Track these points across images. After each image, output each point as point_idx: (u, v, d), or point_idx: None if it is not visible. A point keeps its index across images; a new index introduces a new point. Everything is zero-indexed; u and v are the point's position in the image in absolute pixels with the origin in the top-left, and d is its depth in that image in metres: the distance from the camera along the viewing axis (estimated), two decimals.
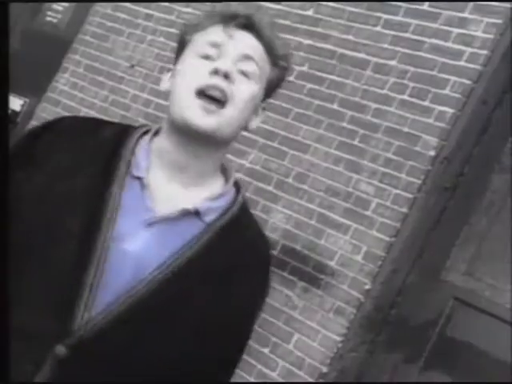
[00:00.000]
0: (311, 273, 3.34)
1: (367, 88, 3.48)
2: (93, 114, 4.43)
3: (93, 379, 1.33)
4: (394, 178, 3.26)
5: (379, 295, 3.21)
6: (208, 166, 1.47)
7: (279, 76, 1.51)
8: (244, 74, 1.43)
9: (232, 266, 1.45)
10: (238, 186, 1.53)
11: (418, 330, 3.20)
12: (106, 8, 4.67)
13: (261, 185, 3.64)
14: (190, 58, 1.45)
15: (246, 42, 1.45)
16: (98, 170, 1.41)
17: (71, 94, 4.58)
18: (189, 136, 1.41)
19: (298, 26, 3.81)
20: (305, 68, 3.71)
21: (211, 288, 1.41)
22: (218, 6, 1.50)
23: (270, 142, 3.69)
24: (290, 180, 3.55)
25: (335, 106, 3.53)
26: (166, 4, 4.40)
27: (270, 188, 3.61)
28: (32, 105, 4.76)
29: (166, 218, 1.39)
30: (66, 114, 4.53)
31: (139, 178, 1.41)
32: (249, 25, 1.46)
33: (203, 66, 1.41)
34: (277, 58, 1.48)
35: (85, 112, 4.47)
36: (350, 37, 3.62)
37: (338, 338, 3.20)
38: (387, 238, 3.21)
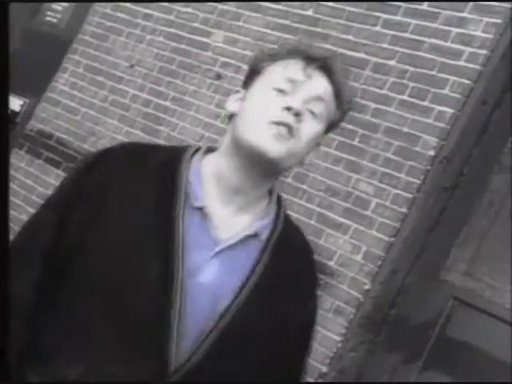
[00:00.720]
0: None
1: (367, 88, 3.47)
2: (92, 113, 4.43)
3: None
4: (393, 177, 3.26)
5: (379, 295, 3.21)
6: (263, 190, 1.52)
7: (340, 118, 1.57)
8: (312, 113, 1.48)
9: (289, 278, 1.51)
10: (278, 197, 1.59)
11: (417, 330, 3.20)
12: (106, 8, 4.67)
13: None
14: (263, 87, 1.50)
15: (321, 84, 1.50)
16: (158, 202, 1.43)
17: (71, 93, 4.58)
18: (253, 160, 1.45)
19: (298, 25, 3.81)
20: None
21: (277, 304, 1.48)
22: (300, 42, 1.60)
23: None
24: (289, 180, 3.55)
25: None
26: (166, 4, 4.40)
27: None
28: (32, 105, 4.76)
29: (232, 245, 1.44)
30: (66, 114, 4.54)
31: (199, 208, 1.44)
32: (326, 68, 1.51)
33: (276, 100, 1.46)
34: (343, 102, 1.54)
35: (84, 112, 4.47)
36: (350, 37, 3.62)
37: (338, 338, 3.20)
38: (387, 238, 3.21)
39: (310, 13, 3.80)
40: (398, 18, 3.50)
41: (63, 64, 4.70)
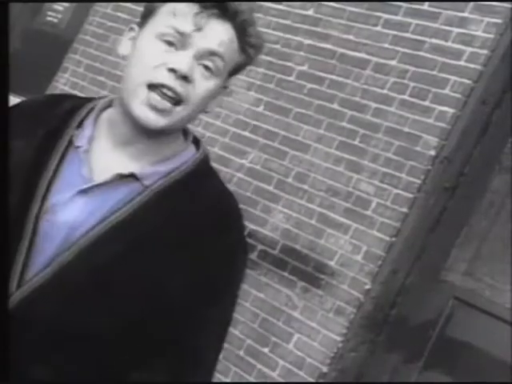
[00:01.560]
0: (311, 273, 3.34)
1: (367, 88, 3.48)
2: None
3: (27, 343, 1.31)
4: (394, 177, 3.26)
5: (379, 295, 3.21)
6: (158, 144, 1.39)
7: (246, 62, 1.42)
8: (206, 68, 1.33)
9: (183, 230, 1.35)
10: (197, 143, 1.45)
11: (417, 330, 3.20)
12: (106, 8, 4.67)
13: (261, 185, 3.64)
14: (150, 36, 1.34)
15: (215, 35, 1.33)
16: (43, 141, 1.38)
17: (71, 93, 4.58)
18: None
19: (299, 25, 3.81)
20: (305, 68, 3.71)
21: (157, 253, 1.33)
22: None
23: (270, 142, 3.69)
24: (290, 180, 3.55)
25: (335, 106, 3.53)
26: None
27: (270, 188, 3.61)
28: None
29: (99, 184, 1.34)
30: None
31: (78, 148, 1.37)
32: (224, 14, 1.33)
33: (162, 54, 1.31)
34: (247, 46, 1.38)
35: None
36: (351, 36, 3.62)
37: (338, 338, 3.20)
38: (387, 238, 3.21)
39: (311, 13, 3.80)
40: (398, 18, 3.50)
41: (64, 64, 4.70)
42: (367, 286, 3.20)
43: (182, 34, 1.31)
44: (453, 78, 3.25)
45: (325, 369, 3.20)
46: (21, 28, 5.18)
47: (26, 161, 1.36)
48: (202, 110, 1.39)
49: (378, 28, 3.55)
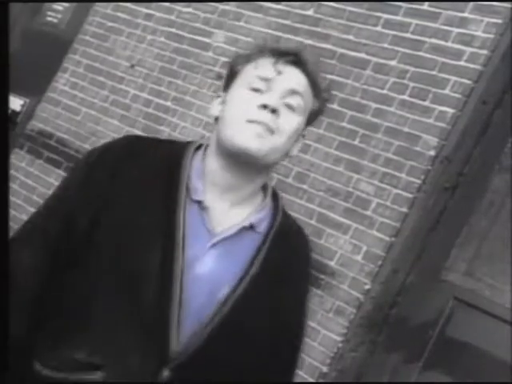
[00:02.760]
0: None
1: (367, 88, 3.48)
2: (93, 113, 4.43)
3: None
4: (394, 177, 3.26)
5: (379, 295, 3.21)
6: (255, 186, 1.56)
7: (320, 107, 1.61)
8: (290, 107, 1.52)
9: (286, 270, 1.56)
10: (274, 192, 1.64)
11: (417, 330, 3.20)
12: (106, 8, 4.67)
13: None
14: (240, 88, 1.54)
15: (293, 77, 1.54)
16: (161, 196, 1.48)
17: (71, 93, 4.58)
18: (237, 159, 1.50)
19: (299, 25, 3.81)
20: None
21: (273, 294, 1.52)
22: (268, 40, 1.64)
23: None
24: (289, 180, 3.55)
25: (335, 106, 3.53)
26: (167, 4, 4.40)
27: None
28: (32, 105, 4.76)
29: (228, 237, 1.49)
30: (67, 114, 4.54)
31: (198, 202, 1.49)
32: (297, 61, 1.54)
33: (253, 99, 1.50)
34: (319, 92, 1.58)
35: (85, 112, 4.47)
36: (351, 37, 3.62)
37: (338, 338, 3.20)
38: (387, 238, 3.21)
39: (310, 13, 3.81)
40: (398, 18, 3.50)
41: (64, 64, 4.70)
42: (367, 286, 3.20)
43: (265, 80, 1.52)
44: (453, 78, 3.25)
45: (325, 369, 3.20)
46: (21, 28, 5.18)
47: (154, 217, 1.46)
48: (288, 148, 1.56)
49: (378, 28, 3.55)
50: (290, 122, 1.53)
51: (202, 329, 1.43)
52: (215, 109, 1.59)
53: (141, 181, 1.49)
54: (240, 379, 1.48)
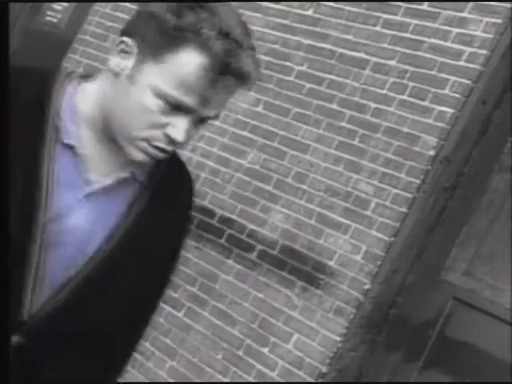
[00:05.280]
0: (310, 272, 3.34)
1: (367, 88, 3.47)
2: None
3: (47, 359, 1.35)
4: (393, 177, 3.26)
5: (379, 295, 3.21)
6: None
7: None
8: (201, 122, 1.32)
9: (161, 222, 1.44)
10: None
11: (417, 330, 3.20)
12: (106, 8, 4.67)
13: (260, 185, 3.64)
14: (150, 90, 1.25)
15: (221, 103, 1.29)
16: (28, 139, 1.30)
17: None
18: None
19: (298, 25, 3.81)
20: (304, 68, 3.71)
21: (146, 246, 1.41)
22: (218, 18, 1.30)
23: (269, 142, 3.69)
24: (289, 180, 3.55)
25: (335, 106, 3.53)
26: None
27: (269, 188, 3.61)
28: None
29: (105, 187, 1.35)
30: None
31: (70, 147, 1.32)
32: (242, 81, 1.28)
33: (160, 114, 1.26)
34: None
35: None
36: (350, 36, 3.62)
37: (338, 338, 3.20)
38: (387, 238, 3.21)
39: (309, 13, 3.80)
40: (398, 17, 3.50)
41: (63, 63, 4.70)
42: (367, 286, 3.20)
43: (186, 105, 1.25)
44: (452, 78, 3.24)
45: (324, 369, 3.20)
46: (21, 28, 5.18)
47: (17, 161, 1.29)
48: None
49: (378, 28, 3.54)
50: (193, 134, 1.32)
51: (62, 288, 1.32)
52: (122, 62, 1.29)
53: (15, 118, 1.29)
54: (98, 340, 1.39)
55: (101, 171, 1.35)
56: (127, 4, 4.58)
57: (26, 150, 1.30)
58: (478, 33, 3.24)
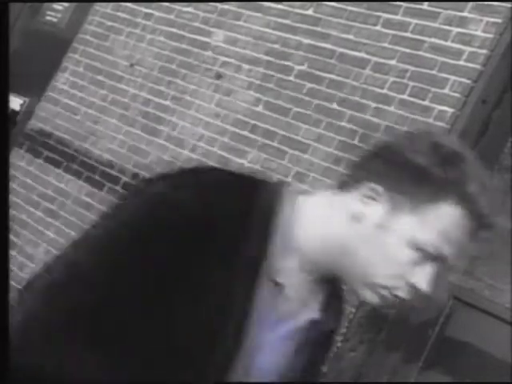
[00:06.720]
0: None
1: (367, 87, 3.47)
2: (92, 113, 4.43)
3: None
4: None
5: None
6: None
7: None
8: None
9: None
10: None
11: (417, 330, 3.19)
12: (106, 7, 4.67)
13: None
14: (404, 239, 1.21)
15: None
16: (251, 253, 1.21)
17: (71, 93, 4.58)
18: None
19: (298, 25, 3.81)
20: (304, 67, 3.71)
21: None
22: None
23: (269, 142, 3.69)
24: (289, 179, 3.55)
25: (335, 106, 3.53)
26: (166, 3, 4.40)
27: None
28: (32, 104, 4.76)
29: (298, 328, 1.29)
30: (66, 113, 4.54)
31: (275, 282, 1.22)
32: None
33: (407, 264, 1.22)
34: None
35: (84, 111, 4.47)
36: (350, 36, 3.62)
37: (337, 338, 3.20)
38: None
39: (310, 12, 3.80)
40: (398, 17, 3.50)
41: (63, 63, 4.70)
42: None
43: (443, 256, 1.23)
44: (452, 77, 3.24)
45: (324, 368, 3.19)
46: (21, 28, 5.18)
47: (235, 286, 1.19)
48: None
49: (378, 27, 3.55)
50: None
51: None
52: (359, 208, 1.23)
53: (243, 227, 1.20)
54: None
55: (299, 309, 1.28)
56: (128, 4, 4.57)
57: (247, 265, 1.20)
58: (478, 32, 3.24)
